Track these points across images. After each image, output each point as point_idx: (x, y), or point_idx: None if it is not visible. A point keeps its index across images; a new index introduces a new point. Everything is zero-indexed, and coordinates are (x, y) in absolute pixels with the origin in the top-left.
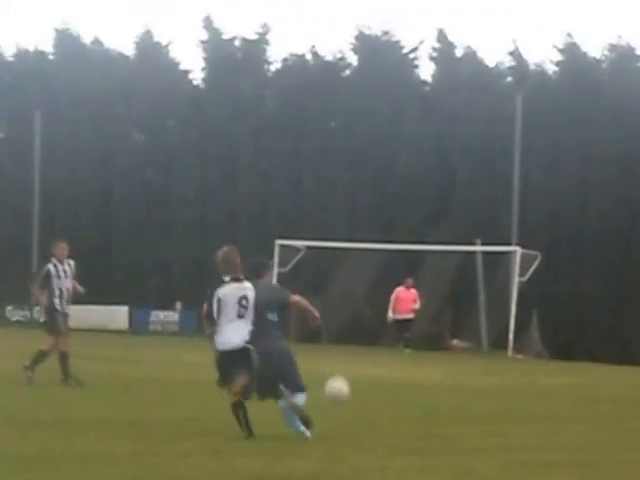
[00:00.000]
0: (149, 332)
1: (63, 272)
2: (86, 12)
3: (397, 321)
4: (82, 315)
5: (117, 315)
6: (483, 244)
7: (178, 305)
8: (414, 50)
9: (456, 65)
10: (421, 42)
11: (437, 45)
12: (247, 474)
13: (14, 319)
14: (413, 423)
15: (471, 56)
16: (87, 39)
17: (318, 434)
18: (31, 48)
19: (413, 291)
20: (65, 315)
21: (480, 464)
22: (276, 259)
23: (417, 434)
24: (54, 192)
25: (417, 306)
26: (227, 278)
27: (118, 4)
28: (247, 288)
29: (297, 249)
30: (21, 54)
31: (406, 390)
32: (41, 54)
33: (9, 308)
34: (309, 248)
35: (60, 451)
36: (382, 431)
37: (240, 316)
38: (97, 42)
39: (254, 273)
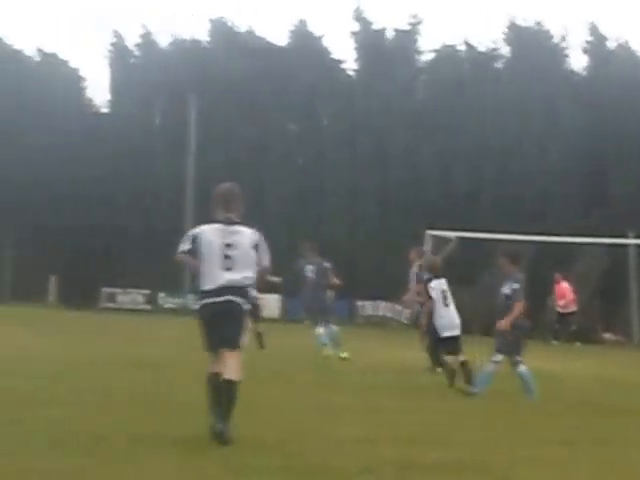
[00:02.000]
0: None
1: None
2: (241, 3)
3: (558, 313)
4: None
5: (271, 303)
6: (636, 237)
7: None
8: (563, 40)
9: (609, 58)
10: (566, 33)
11: (589, 37)
12: (395, 461)
13: (166, 306)
14: (564, 415)
15: (624, 49)
16: (242, 28)
17: (469, 425)
18: (186, 37)
19: (564, 285)
20: None
21: (632, 456)
22: (428, 249)
23: (568, 425)
24: (208, 179)
25: (562, 302)
26: None
27: None
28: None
29: (448, 240)
30: (176, 42)
31: (557, 382)
32: (196, 42)
33: (161, 295)
34: (460, 239)
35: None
36: (533, 422)
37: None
38: (251, 32)
39: None
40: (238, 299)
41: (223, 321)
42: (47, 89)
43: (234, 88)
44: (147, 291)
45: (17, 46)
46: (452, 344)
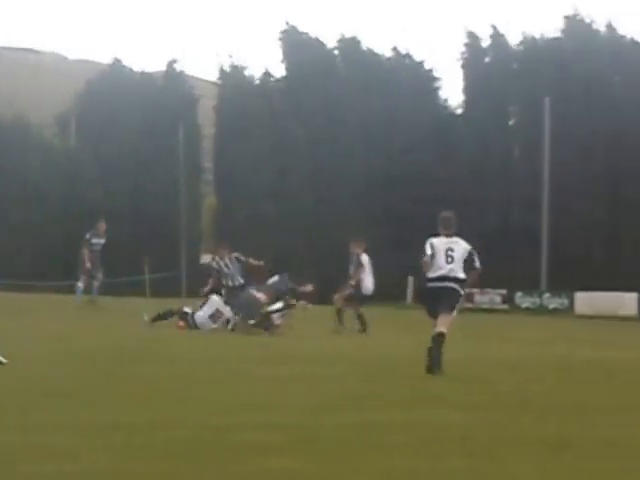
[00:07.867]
0: None
1: None
2: None
3: None
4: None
5: (626, 301)
6: None
7: None
8: None
9: None
10: None
11: None
12: None
13: (523, 305)
14: None
15: None
16: (599, 25)
17: None
18: (538, 35)
19: None
20: None
21: None
22: None
23: None
24: (564, 179)
25: None
26: None
27: None
28: None
29: None
30: (528, 41)
31: None
32: (552, 41)
33: (519, 294)
34: None
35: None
36: None
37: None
38: (610, 28)
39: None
40: None
41: None
42: (400, 89)
43: (591, 88)
44: (503, 291)
45: (373, 46)
46: None
